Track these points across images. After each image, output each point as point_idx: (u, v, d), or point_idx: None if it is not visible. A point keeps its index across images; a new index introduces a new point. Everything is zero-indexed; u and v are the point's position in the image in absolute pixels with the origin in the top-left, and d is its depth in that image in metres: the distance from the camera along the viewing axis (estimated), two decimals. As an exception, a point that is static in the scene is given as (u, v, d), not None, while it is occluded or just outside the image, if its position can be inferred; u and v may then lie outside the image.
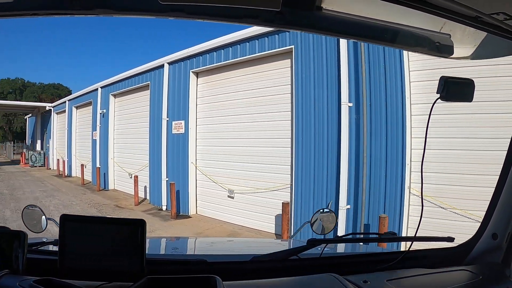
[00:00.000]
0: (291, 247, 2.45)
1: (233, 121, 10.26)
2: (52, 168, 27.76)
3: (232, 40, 9.71)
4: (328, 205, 7.67)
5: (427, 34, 1.51)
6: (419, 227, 1.78)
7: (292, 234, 3.86)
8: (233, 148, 10.23)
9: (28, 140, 43.80)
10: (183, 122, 11.60)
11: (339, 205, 7.29)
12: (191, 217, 11.22)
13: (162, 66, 12.47)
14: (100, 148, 17.53)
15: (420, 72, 6.76)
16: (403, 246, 4.77)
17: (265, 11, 1.28)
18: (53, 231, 1.77)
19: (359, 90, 7.27)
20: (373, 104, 7.15)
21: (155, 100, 12.98)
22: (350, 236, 2.50)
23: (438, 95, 1.50)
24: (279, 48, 8.76)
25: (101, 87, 17.48)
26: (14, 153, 45.80)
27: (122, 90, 15.63)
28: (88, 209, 12.04)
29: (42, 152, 30.96)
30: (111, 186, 16.71)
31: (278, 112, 9.02)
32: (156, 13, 1.31)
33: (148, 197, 13.66)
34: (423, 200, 2.13)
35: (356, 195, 7.27)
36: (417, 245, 1.83)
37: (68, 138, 23.22)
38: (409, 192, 6.73)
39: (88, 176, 19.20)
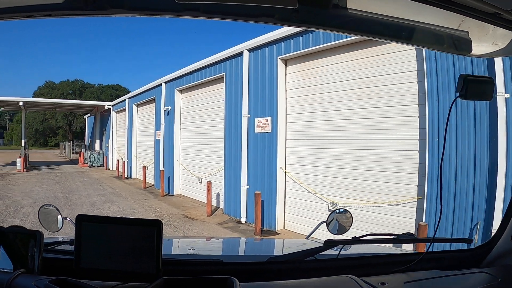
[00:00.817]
0: (308, 248, 2.08)
1: (334, 118, 8.48)
2: (111, 169, 27.32)
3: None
4: (476, 227, 5.95)
5: (445, 32, 1.48)
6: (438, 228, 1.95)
7: (308, 235, 3.55)
8: (335, 151, 8.44)
9: (86, 140, 44.29)
10: (269, 119, 9.77)
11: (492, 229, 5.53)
12: (278, 233, 9.38)
13: (241, 54, 10.73)
14: (164, 148, 16.19)
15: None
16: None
17: (281, 9, 1.28)
18: (69, 230, 1.69)
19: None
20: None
21: (232, 94, 11.29)
22: (367, 237, 1.99)
23: (458, 94, 1.48)
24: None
25: (165, 82, 16.15)
26: (73, 152, 46.62)
27: (191, 84, 14.09)
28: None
29: (101, 152, 30.74)
30: (176, 191, 15.29)
31: (397, 106, 7.26)
32: (172, 13, 1.31)
33: (222, 206, 11.94)
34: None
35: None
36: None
37: (128, 137, 22.56)
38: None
39: (150, 179, 18.09)
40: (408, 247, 5.00)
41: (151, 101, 18.61)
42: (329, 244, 1.78)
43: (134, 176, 21.65)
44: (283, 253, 1.86)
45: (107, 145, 29.28)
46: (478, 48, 1.55)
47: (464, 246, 3.90)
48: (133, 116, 21.75)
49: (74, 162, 37.42)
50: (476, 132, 5.99)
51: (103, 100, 42.04)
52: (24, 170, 24.90)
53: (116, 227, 1.43)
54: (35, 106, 35.26)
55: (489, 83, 1.52)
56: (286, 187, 9.65)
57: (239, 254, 2.72)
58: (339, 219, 2.47)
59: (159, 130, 16.66)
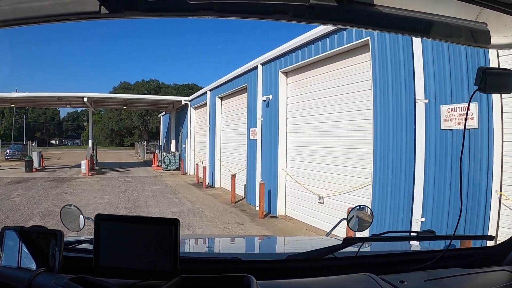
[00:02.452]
0: (327, 245, 2.11)
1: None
2: (188, 173, 24.66)
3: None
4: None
5: (462, 24, 1.47)
6: (458, 225, 1.95)
7: (328, 232, 3.07)
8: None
9: (161, 140, 43.19)
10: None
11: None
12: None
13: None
14: (263, 152, 12.66)
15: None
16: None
17: (294, 6, 1.30)
18: (92, 230, 1.55)
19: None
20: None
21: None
22: (387, 235, 2.01)
23: (477, 87, 1.46)
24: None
25: (262, 64, 13.07)
26: (147, 153, 46.09)
27: (301, 63, 10.80)
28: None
29: (176, 153, 28.11)
30: (280, 211, 11.53)
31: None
32: (185, 13, 1.35)
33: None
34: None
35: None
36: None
37: (210, 138, 19.28)
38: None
39: (240, 190, 14.51)
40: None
41: (240, 91, 15.38)
42: (347, 241, 1.80)
43: (217, 184, 18.27)
44: (302, 251, 1.82)
45: (183, 146, 26.83)
46: (497, 40, 1.52)
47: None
48: (216, 112, 18.48)
49: (147, 163, 35.80)
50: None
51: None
52: (90, 174, 23.18)
53: (134, 226, 1.46)
54: (103, 103, 32.68)
55: (509, 75, 1.48)
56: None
57: (258, 252, 2.79)
58: (359, 215, 2.48)
59: (255, 127, 13.16)
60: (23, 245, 1.50)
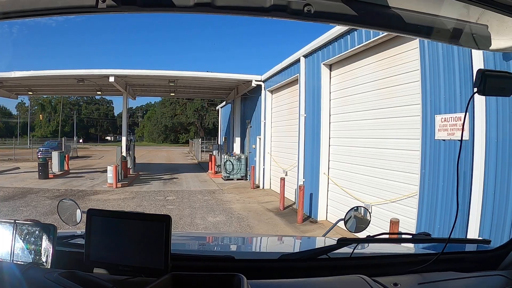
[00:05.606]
0: (322, 246, 2.48)
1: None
2: (261, 186, 18.13)
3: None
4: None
5: (463, 26, 1.51)
6: (454, 228, 2.13)
7: (326, 232, 3.16)
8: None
9: (220, 138, 37.40)
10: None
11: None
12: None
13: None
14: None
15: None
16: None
17: (293, 3, 1.33)
18: None
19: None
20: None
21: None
22: (381, 236, 2.04)
23: (475, 89, 1.49)
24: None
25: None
26: (202, 151, 40.59)
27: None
28: None
29: (243, 156, 21.16)
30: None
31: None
32: (183, 9, 1.35)
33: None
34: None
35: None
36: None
37: (310, 135, 12.08)
38: None
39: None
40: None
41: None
42: (342, 242, 1.79)
43: (321, 216, 11.12)
44: (296, 251, 1.99)
45: (253, 146, 20.28)
46: (498, 42, 1.55)
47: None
48: (321, 91, 11.67)
49: (202, 167, 29.45)
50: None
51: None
52: (118, 185, 17.36)
53: (125, 222, 1.49)
54: (141, 88, 23.81)
55: (509, 78, 1.47)
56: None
57: (251, 251, 2.78)
58: (357, 216, 2.52)
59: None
60: (16, 238, 1.55)
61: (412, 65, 7.36)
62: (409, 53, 7.48)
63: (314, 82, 11.77)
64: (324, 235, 3.01)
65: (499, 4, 1.20)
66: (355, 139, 9.59)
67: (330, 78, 11.06)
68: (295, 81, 13.65)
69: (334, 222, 2.97)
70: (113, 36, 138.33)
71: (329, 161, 10.91)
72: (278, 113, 16.65)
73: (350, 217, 2.48)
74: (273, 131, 17.16)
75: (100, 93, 23.74)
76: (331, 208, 10.82)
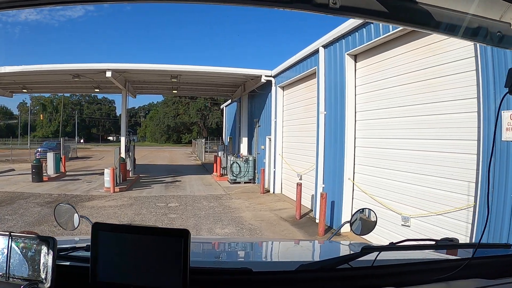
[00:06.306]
0: (342, 253, 2.43)
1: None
2: (271, 191, 16.92)
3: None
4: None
5: (486, 23, 1.44)
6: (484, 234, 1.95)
7: (331, 236, 3.06)
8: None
9: (225, 138, 36.52)
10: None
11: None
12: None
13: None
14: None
15: None
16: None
17: None
18: (87, 227, 1.54)
19: None
20: None
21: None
22: (405, 243, 1.91)
23: (507, 89, 1.38)
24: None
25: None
26: (206, 151, 40.41)
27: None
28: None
29: (251, 158, 20.06)
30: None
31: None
32: None
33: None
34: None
35: None
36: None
37: (331, 135, 11.04)
38: None
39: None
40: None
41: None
42: (365, 250, 1.68)
43: (344, 226, 9.12)
44: (316, 259, 1.94)
45: (262, 147, 18.93)
46: None
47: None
48: (346, 81, 10.61)
49: (206, 168, 28.58)
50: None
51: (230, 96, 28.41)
52: (116, 190, 16.17)
53: (137, 237, 1.36)
54: (141, 85, 22.36)
55: None
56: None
57: (268, 261, 2.71)
58: (363, 219, 2.46)
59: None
60: (11, 253, 1.40)
61: (458, 52, 6.42)
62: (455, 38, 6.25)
63: (336, 76, 10.75)
64: (329, 239, 2.98)
65: None
66: (386, 139, 8.55)
67: (355, 70, 10.02)
68: (312, 75, 12.73)
69: (355, 234, 2.65)
70: (114, 32, 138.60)
71: (354, 164, 9.84)
72: (291, 111, 15.72)
73: (356, 219, 2.47)
74: (284, 131, 16.25)
75: (98, 90, 22.62)
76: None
